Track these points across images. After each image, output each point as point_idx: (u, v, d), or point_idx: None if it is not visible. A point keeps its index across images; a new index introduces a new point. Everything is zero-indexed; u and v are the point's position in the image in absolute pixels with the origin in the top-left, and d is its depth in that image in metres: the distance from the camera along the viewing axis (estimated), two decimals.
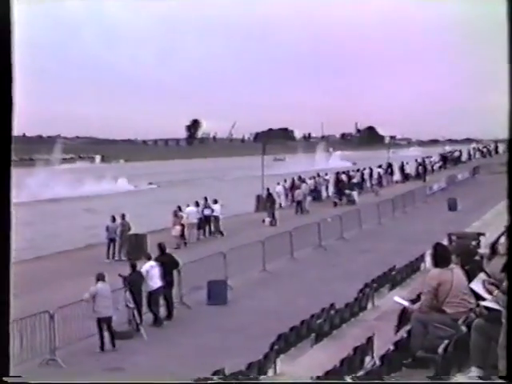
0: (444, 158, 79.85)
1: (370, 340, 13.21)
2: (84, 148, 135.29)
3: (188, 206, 37.14)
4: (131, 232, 32.67)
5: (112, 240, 32.76)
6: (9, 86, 5.03)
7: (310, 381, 9.42)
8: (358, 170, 60.69)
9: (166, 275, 22.31)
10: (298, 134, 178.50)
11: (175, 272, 23.23)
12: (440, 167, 74.64)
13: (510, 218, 5.08)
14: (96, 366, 18.41)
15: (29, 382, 5.14)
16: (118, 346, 19.87)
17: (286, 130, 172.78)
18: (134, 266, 21.98)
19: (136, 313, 20.98)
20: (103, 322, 19.90)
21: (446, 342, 9.31)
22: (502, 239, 11.33)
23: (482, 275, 9.95)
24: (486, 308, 8.54)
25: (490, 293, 8.70)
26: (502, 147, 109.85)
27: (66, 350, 19.14)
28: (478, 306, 9.45)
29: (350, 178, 56.15)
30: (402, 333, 11.49)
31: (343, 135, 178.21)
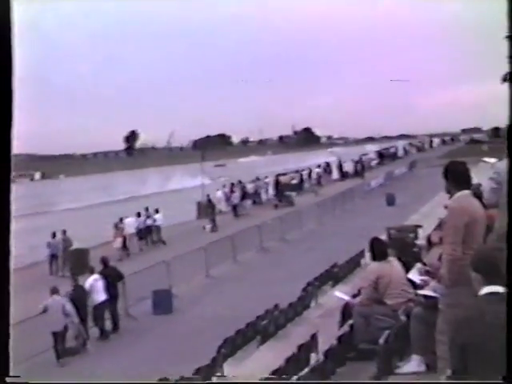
0: (381, 155, 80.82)
1: (314, 337, 13.31)
2: (23, 166, 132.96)
3: (127, 217, 37.03)
4: (73, 247, 32.45)
5: (54, 256, 32.46)
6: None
7: (312, 381, 9.44)
8: (296, 171, 61.02)
9: (110, 288, 22.15)
10: (235, 139, 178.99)
11: (120, 284, 23.08)
12: (377, 164, 75.47)
13: (509, 215, 5.14)
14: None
15: (29, 382, 5.12)
16: (66, 363, 19.73)
17: (223, 136, 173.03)
18: (76, 281, 21.85)
19: (82, 328, 20.80)
20: (54, 336, 19.88)
21: (387, 332, 9.47)
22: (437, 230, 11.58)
23: (418, 265, 10.19)
24: (424, 296, 8.70)
25: (427, 281, 8.89)
26: (436, 141, 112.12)
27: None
28: (416, 295, 9.64)
29: (290, 179, 56.55)
30: (346, 327, 11.59)
31: (281, 138, 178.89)
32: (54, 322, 19.86)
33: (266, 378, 11.16)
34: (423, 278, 9.06)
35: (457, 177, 7.06)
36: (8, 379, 4.75)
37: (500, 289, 4.52)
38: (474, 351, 4.46)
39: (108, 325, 22.18)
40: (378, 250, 11.30)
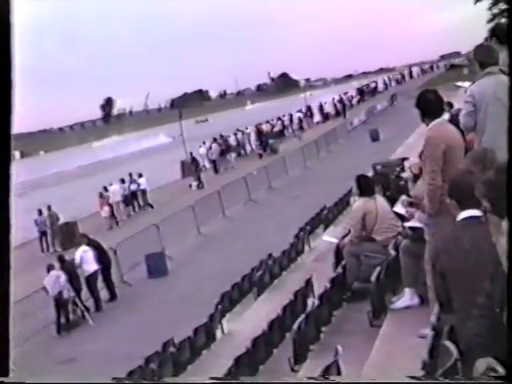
0: (361, 92, 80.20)
1: (309, 282, 13.17)
2: None
3: (111, 184, 36.86)
4: (61, 222, 32.22)
5: (43, 233, 32.29)
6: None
7: (315, 381, 9.21)
8: (278, 118, 60.59)
9: (101, 257, 21.98)
10: (213, 94, 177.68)
11: (111, 252, 22.91)
12: (358, 101, 74.97)
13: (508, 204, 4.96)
14: (48, 360, 18.17)
15: (29, 382, 4.97)
16: (67, 337, 19.80)
17: (200, 91, 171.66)
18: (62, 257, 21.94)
19: (78, 300, 20.76)
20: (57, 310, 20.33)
21: (378, 268, 9.34)
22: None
23: (402, 197, 10.01)
24: (410, 228, 8.57)
25: (412, 213, 8.74)
26: (415, 71, 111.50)
27: (14, 352, 18.76)
28: (404, 228, 9.51)
29: (272, 127, 56.19)
30: (339, 269, 11.47)
31: (258, 87, 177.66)
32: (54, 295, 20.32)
33: (264, 331, 11.02)
34: (409, 209, 8.91)
35: (429, 106, 6.98)
36: (8, 379, 4.59)
37: (476, 212, 4.36)
38: (455, 277, 4.34)
39: (105, 294, 22.11)
40: (365, 186, 11.25)
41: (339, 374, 6.41)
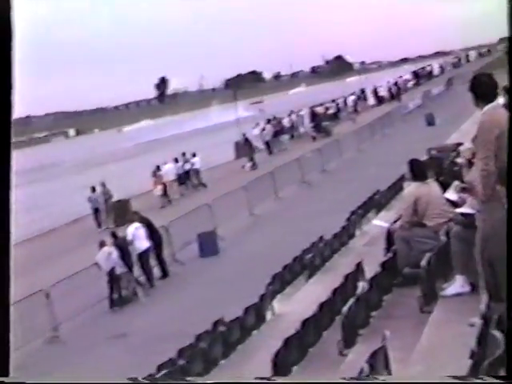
0: (416, 75, 79.30)
1: (359, 266, 13.14)
2: (56, 124, 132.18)
3: (165, 163, 37.13)
4: (114, 199, 32.63)
5: (97, 210, 32.77)
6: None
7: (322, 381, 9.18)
8: (333, 101, 60.28)
9: (153, 235, 22.26)
10: (267, 75, 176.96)
11: (163, 230, 23.17)
12: (414, 84, 74.15)
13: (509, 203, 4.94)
14: (99, 335, 18.51)
15: (28, 381, 5.12)
16: (119, 312, 20.12)
17: (254, 72, 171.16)
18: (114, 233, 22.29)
19: (130, 276, 21.09)
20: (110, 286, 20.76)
21: (429, 254, 9.30)
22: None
23: (455, 183, 9.97)
24: (462, 214, 8.51)
25: (464, 199, 8.70)
26: (473, 55, 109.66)
27: (67, 325, 19.22)
28: (455, 214, 9.45)
29: (326, 109, 55.94)
30: (390, 253, 11.44)
31: (313, 69, 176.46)
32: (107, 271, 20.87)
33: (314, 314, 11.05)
34: (461, 195, 8.85)
35: (483, 89, 6.89)
36: (8, 379, 4.73)
37: None
38: (503, 265, 4.32)
39: (157, 272, 22.39)
40: (418, 171, 11.17)
41: (386, 359, 6.43)
